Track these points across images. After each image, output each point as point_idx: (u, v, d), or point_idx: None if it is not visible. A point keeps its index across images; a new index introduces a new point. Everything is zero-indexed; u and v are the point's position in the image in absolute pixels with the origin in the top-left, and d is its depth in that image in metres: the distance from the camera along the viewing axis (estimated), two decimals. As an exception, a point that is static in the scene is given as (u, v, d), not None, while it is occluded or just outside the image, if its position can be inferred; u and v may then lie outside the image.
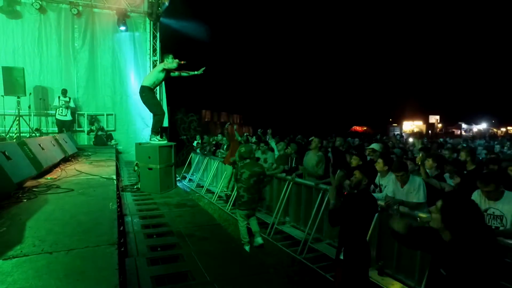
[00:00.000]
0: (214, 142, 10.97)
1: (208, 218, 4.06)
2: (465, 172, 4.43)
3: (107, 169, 5.42)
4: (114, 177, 4.72)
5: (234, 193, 7.89)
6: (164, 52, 5.62)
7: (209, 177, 9.41)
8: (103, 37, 11.08)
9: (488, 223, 3.20)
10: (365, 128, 36.89)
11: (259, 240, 5.22)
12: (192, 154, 11.94)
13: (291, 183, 5.89)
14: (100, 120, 10.99)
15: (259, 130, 10.78)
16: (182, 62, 5.42)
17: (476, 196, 3.35)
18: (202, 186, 9.52)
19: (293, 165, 6.38)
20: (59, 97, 9.70)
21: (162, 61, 5.66)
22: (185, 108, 15.87)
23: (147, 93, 5.49)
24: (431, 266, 1.97)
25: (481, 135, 24.17)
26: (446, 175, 4.59)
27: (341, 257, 3.10)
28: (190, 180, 10.91)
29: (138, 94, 5.71)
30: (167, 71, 5.48)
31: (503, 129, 37.25)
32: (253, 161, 5.24)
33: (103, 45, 11.10)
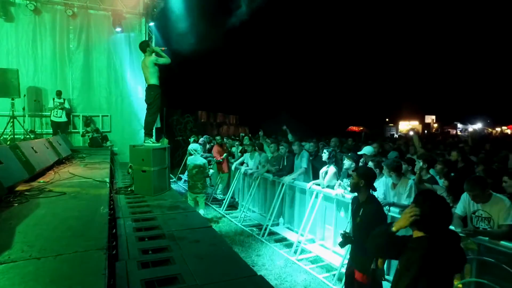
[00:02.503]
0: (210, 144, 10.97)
1: (200, 220, 4.07)
2: (452, 174, 4.47)
3: (101, 172, 5.42)
4: (108, 180, 4.72)
5: (229, 195, 7.95)
6: (142, 46, 5.55)
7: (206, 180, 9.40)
8: (98, 38, 11.05)
9: (476, 225, 3.26)
10: (361, 128, 37.00)
11: (200, 211, 6.39)
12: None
13: (285, 184, 5.92)
14: (95, 121, 10.96)
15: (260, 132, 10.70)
16: (163, 48, 5.46)
17: (465, 197, 3.40)
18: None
19: (284, 163, 6.41)
20: (53, 99, 9.68)
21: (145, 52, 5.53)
22: (181, 109, 15.86)
23: (155, 92, 5.46)
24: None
25: (475, 135, 24.29)
26: (437, 176, 4.63)
27: (373, 267, 2.92)
28: (185, 181, 10.91)
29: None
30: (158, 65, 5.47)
31: (498, 129, 37.50)
32: (196, 155, 6.80)
33: (99, 46, 11.07)
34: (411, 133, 10.60)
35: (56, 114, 9.66)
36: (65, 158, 6.40)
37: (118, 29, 10.98)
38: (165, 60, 5.40)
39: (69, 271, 1.80)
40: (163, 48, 5.47)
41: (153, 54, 5.42)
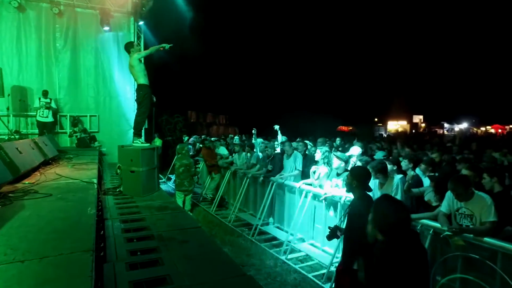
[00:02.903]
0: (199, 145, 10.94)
1: (190, 221, 4.05)
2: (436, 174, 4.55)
3: (89, 172, 5.34)
4: (95, 180, 4.65)
5: (219, 195, 7.93)
6: (127, 47, 5.47)
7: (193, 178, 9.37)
8: (85, 37, 10.86)
9: (460, 222, 3.34)
10: (350, 128, 37.38)
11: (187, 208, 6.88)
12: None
13: (275, 183, 5.95)
14: (83, 121, 10.78)
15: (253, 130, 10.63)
16: (161, 48, 5.31)
17: (449, 195, 3.49)
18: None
19: (274, 163, 6.44)
20: (39, 99, 9.47)
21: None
22: (171, 109, 15.75)
23: (144, 91, 5.38)
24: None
25: (462, 134, 24.85)
26: (420, 172, 4.70)
27: (355, 267, 2.97)
28: (174, 181, 10.84)
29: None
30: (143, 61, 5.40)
31: (483, 129, 38.42)
32: (183, 155, 7.01)
33: (86, 45, 10.88)
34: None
35: (42, 114, 9.47)
36: (52, 159, 6.28)
37: (106, 28, 10.81)
38: (148, 51, 5.31)
39: (54, 274, 1.78)
40: (161, 48, 5.30)
41: (136, 53, 5.32)
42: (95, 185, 4.38)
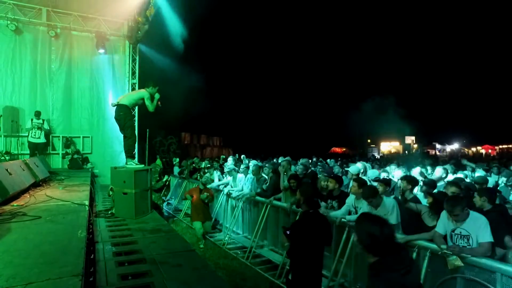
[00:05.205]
0: (192, 165, 10.87)
1: (183, 244, 3.96)
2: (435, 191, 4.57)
3: (80, 194, 5.24)
4: (87, 202, 4.56)
5: (212, 218, 7.79)
6: (147, 80, 5.68)
7: (187, 200, 9.23)
8: (81, 60, 10.99)
9: (456, 243, 3.31)
10: (344, 149, 37.66)
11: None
12: (171, 177, 11.75)
13: (269, 206, 5.88)
14: (76, 142, 10.70)
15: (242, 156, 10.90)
16: (159, 103, 5.57)
17: (444, 215, 3.47)
18: (181, 210, 9.33)
19: (267, 185, 6.40)
20: (32, 119, 9.41)
21: (141, 86, 5.70)
22: (165, 131, 15.73)
23: (125, 112, 5.42)
24: None
25: (453, 155, 25.17)
26: (421, 194, 4.74)
27: (289, 277, 3.24)
28: (168, 203, 10.67)
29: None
30: (143, 103, 5.50)
31: (473, 149, 39.01)
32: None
33: (81, 67, 10.99)
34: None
35: (34, 135, 9.37)
36: (43, 180, 6.17)
37: (101, 51, 10.96)
38: (150, 106, 5.46)
39: (41, 301, 1.70)
40: (159, 103, 5.58)
41: (147, 90, 5.47)
42: (87, 207, 4.28)
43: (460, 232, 3.29)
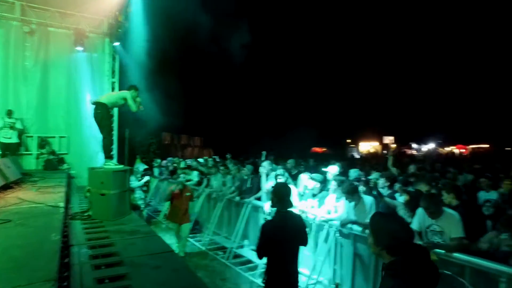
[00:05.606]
0: (173, 165, 10.75)
1: (162, 245, 3.90)
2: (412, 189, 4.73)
3: (55, 196, 5.08)
4: (62, 204, 4.43)
5: (193, 218, 7.73)
6: (126, 79, 5.57)
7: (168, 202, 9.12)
8: (58, 57, 10.56)
9: (430, 238, 3.44)
10: (324, 149, 38.19)
11: None
12: (150, 178, 11.55)
13: (249, 206, 5.90)
14: (51, 142, 10.29)
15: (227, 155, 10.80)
16: (141, 107, 5.47)
17: (421, 212, 3.61)
18: (160, 211, 9.20)
19: (248, 185, 6.42)
20: (3, 119, 9.02)
21: (121, 84, 5.56)
22: (145, 131, 15.46)
23: (103, 111, 5.25)
24: None
25: (428, 154, 26.04)
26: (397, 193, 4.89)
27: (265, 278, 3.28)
28: (148, 205, 10.48)
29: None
30: (124, 104, 5.38)
31: (447, 149, 40.43)
32: None
33: (58, 65, 10.56)
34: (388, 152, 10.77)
35: (6, 135, 8.98)
36: (14, 182, 5.92)
37: (80, 48, 10.62)
38: (133, 105, 5.34)
39: (9, 307, 1.64)
40: (141, 106, 5.48)
41: (129, 92, 5.37)
42: (61, 209, 4.16)
43: (435, 229, 3.43)
